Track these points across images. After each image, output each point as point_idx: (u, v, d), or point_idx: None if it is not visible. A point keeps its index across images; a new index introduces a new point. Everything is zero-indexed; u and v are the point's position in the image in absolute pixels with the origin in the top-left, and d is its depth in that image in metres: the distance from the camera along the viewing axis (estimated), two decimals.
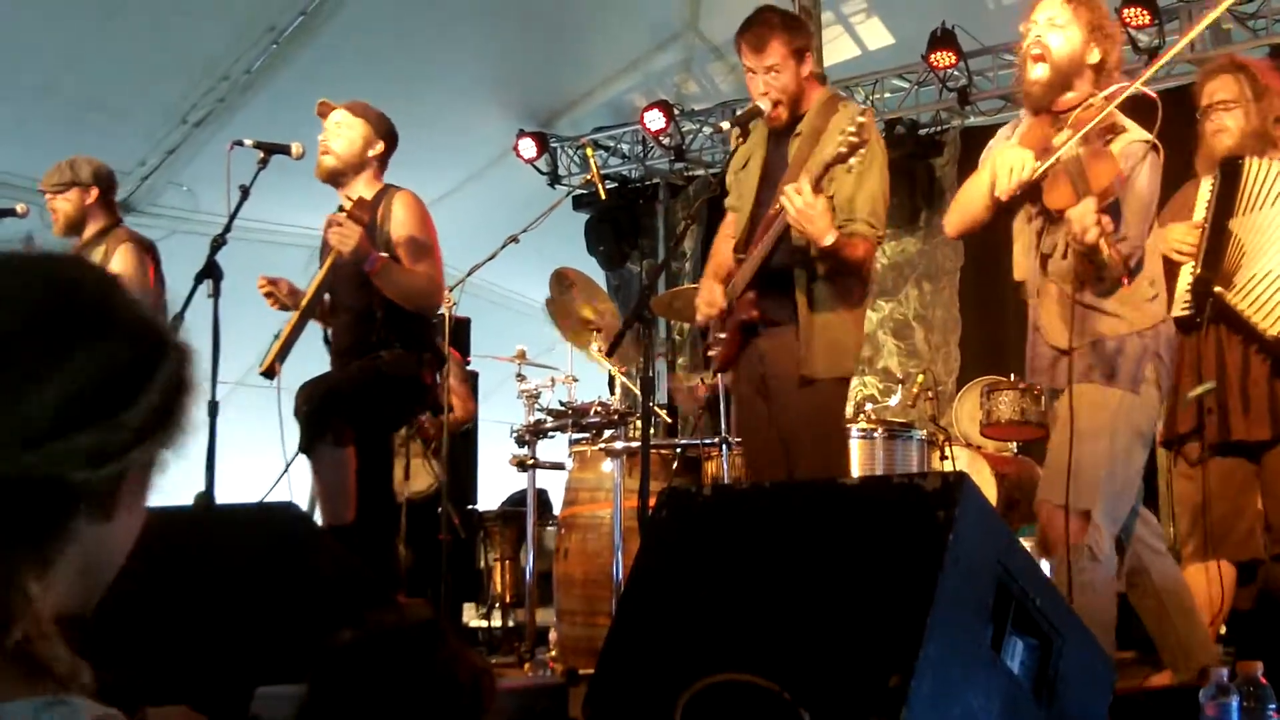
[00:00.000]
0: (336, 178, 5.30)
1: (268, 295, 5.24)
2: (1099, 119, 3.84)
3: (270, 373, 5.01)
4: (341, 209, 5.11)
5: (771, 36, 4.58)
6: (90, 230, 5.99)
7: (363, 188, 5.28)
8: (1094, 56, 4.03)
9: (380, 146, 5.34)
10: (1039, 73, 4.05)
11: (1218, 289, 4.51)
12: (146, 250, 5.96)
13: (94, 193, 6.01)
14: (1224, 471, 4.68)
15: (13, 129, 8.71)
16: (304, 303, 5.14)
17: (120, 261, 5.84)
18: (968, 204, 4.22)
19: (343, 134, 5.28)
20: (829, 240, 4.32)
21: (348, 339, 5.27)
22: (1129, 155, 3.89)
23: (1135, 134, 3.96)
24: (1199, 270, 4.56)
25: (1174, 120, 4.08)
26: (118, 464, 1.28)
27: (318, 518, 5.11)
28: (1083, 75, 4.04)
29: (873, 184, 4.54)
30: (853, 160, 4.27)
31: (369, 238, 5.04)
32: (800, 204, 4.27)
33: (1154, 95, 3.90)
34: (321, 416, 4.96)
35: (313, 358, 5.38)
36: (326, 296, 5.33)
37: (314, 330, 5.37)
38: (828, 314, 4.56)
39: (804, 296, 4.56)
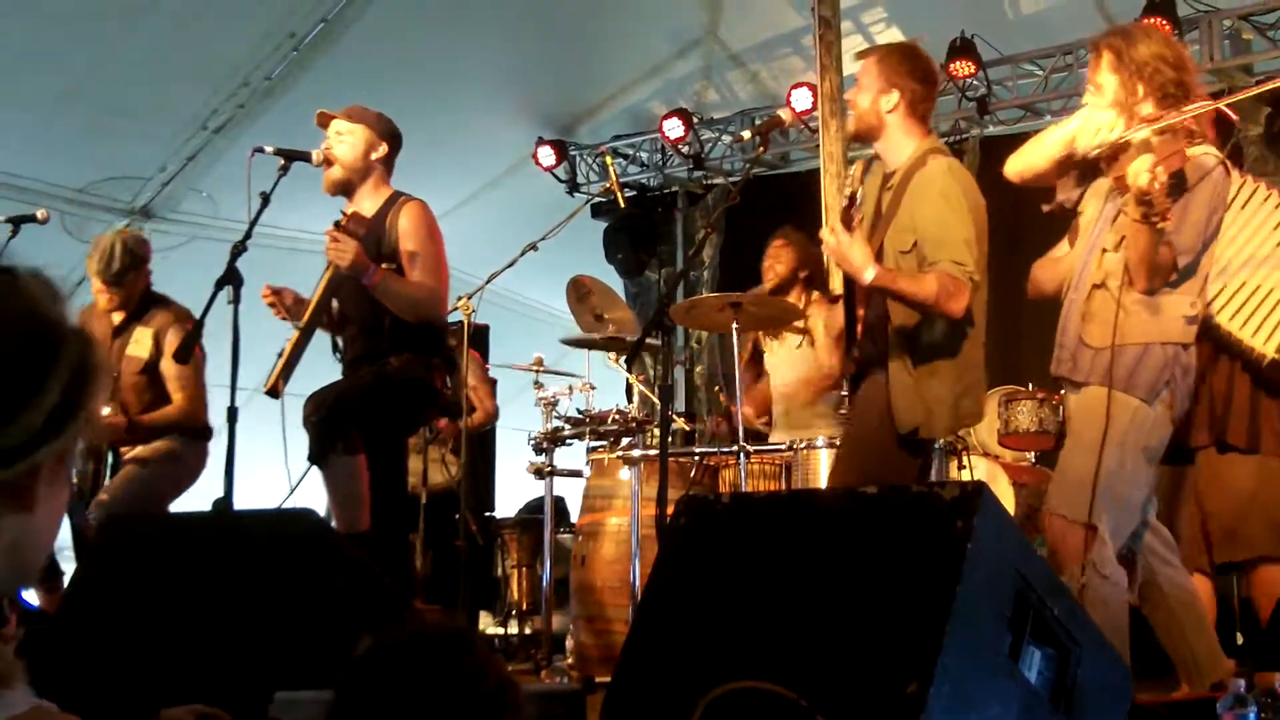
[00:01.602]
0: (344, 188, 5.32)
1: (271, 305, 5.25)
2: (1176, 118, 3.91)
3: (274, 392, 5.02)
4: (337, 224, 5.11)
5: (868, 55, 4.62)
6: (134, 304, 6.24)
7: (370, 194, 5.31)
8: (1140, 94, 4.07)
9: (383, 148, 5.35)
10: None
11: None
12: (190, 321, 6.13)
13: (145, 271, 6.26)
14: (1167, 483, 4.68)
15: (34, 135, 8.76)
16: (305, 319, 5.15)
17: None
18: (1035, 152, 4.24)
19: (345, 141, 5.30)
20: (869, 275, 4.17)
21: (357, 349, 5.28)
22: (1202, 165, 3.95)
23: (1211, 149, 4.04)
24: None
25: None
26: (27, 462, 1.29)
27: (334, 524, 5.13)
28: (1136, 112, 4.05)
29: (950, 221, 4.34)
30: (935, 198, 4.28)
31: (373, 248, 5.07)
32: (833, 244, 4.23)
33: (1233, 115, 3.96)
34: (331, 425, 4.97)
35: (323, 368, 5.39)
36: (334, 304, 5.33)
37: (322, 340, 5.37)
38: (905, 368, 4.38)
39: (896, 351, 4.40)
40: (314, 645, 3.03)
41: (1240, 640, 5.13)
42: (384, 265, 5.08)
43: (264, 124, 8.83)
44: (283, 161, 5.07)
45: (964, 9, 8.72)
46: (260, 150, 5.05)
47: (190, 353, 5.28)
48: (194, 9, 8.25)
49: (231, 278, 4.77)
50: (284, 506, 4.83)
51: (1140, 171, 3.65)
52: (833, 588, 2.74)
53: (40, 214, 5.98)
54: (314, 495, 5.28)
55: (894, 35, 9.56)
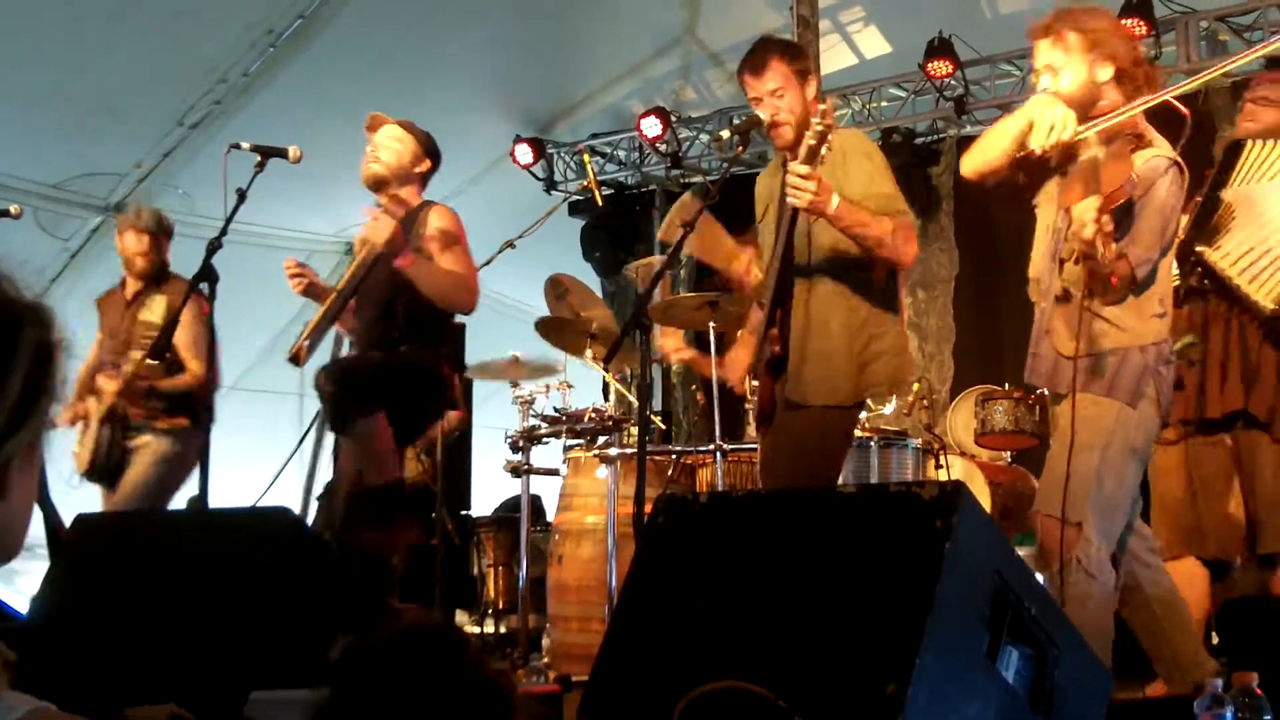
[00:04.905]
0: (381, 184, 5.38)
1: (295, 276, 5.24)
2: (1122, 117, 3.83)
3: (297, 359, 5.00)
4: (378, 204, 5.25)
5: (770, 58, 4.56)
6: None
7: (405, 201, 5.39)
8: (1105, 73, 4.01)
9: (427, 164, 5.48)
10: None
11: (1199, 247, 4.62)
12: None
13: (168, 244, 6.46)
14: (1201, 461, 4.69)
15: (9, 131, 8.70)
16: (340, 287, 5.16)
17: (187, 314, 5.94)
18: (991, 147, 4.11)
19: (393, 147, 5.40)
20: (834, 204, 4.20)
21: (370, 337, 5.30)
22: (1151, 170, 3.89)
23: (1160, 149, 3.96)
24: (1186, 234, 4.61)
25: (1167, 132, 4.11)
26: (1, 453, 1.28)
27: (310, 521, 5.11)
28: (1102, 93, 4.01)
29: (882, 176, 4.49)
30: (863, 165, 4.29)
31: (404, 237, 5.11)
32: (798, 182, 4.16)
33: (1184, 110, 3.92)
34: (348, 390, 4.93)
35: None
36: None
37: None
38: (826, 335, 4.46)
39: (800, 313, 4.47)
40: (290, 644, 3.02)
41: (1215, 640, 5.13)
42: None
43: (241, 120, 8.79)
44: (259, 158, 5.07)
45: (942, 8, 8.73)
46: (237, 147, 5.05)
47: (162, 355, 5.25)
48: (172, 6, 8.21)
49: (207, 274, 4.77)
50: (259, 504, 4.82)
51: (1085, 223, 3.57)
52: (811, 587, 2.73)
53: (13, 209, 5.95)
54: (288, 495, 5.26)
55: (872, 34, 9.59)
